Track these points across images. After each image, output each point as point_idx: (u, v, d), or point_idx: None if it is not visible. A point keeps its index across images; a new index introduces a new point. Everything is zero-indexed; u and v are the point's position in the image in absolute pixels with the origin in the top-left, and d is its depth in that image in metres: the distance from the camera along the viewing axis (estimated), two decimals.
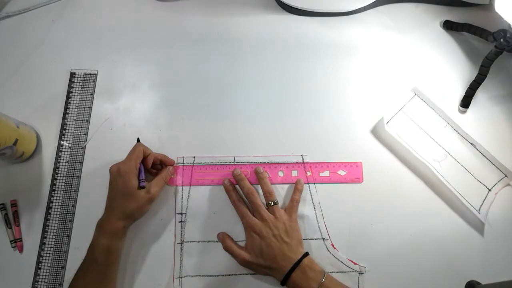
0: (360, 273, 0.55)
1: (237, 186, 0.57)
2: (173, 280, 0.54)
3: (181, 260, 0.55)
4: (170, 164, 0.57)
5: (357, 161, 0.60)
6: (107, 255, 0.50)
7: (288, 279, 0.49)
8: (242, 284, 0.54)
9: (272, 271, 0.51)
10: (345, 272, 0.55)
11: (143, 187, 0.52)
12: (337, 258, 0.55)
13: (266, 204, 0.55)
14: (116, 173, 0.51)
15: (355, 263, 0.55)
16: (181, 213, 0.57)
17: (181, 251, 0.55)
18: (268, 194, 0.55)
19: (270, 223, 0.52)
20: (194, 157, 0.59)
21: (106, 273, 0.50)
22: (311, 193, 0.58)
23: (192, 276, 0.54)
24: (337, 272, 0.55)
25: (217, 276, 0.54)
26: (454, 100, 0.64)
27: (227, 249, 0.54)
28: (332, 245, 0.56)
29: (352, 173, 0.59)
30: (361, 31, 0.68)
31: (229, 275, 0.54)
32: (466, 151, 0.60)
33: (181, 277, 0.54)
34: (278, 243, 0.51)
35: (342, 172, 0.59)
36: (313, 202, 0.58)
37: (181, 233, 0.56)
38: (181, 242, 0.55)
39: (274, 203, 0.54)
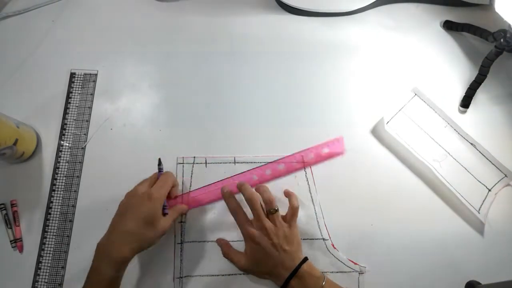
0: (360, 273, 0.55)
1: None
2: (173, 280, 0.54)
3: (181, 260, 0.55)
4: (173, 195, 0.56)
5: (338, 136, 0.61)
6: (111, 286, 0.46)
7: (287, 286, 0.49)
8: (242, 283, 0.54)
9: (272, 277, 0.51)
10: (345, 272, 0.55)
11: (166, 214, 0.51)
12: (337, 258, 0.55)
13: (267, 211, 0.53)
14: (147, 197, 0.49)
15: (355, 263, 0.55)
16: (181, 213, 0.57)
17: (181, 251, 0.55)
18: (268, 201, 0.53)
19: (269, 232, 0.50)
20: (194, 157, 0.59)
21: None
22: (311, 193, 0.58)
23: (192, 276, 0.54)
24: (337, 272, 0.55)
25: (217, 276, 0.54)
26: (454, 100, 0.64)
27: (225, 255, 0.53)
28: (333, 245, 0.56)
29: (334, 147, 0.60)
30: (361, 31, 0.68)
31: (229, 274, 0.54)
32: (466, 151, 0.60)
33: (181, 277, 0.54)
34: (277, 252, 0.50)
35: (326, 150, 0.59)
36: (313, 202, 0.58)
37: (181, 233, 0.56)
38: (181, 242, 0.55)
39: (275, 211, 0.52)
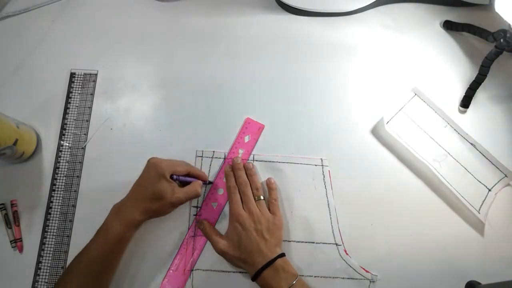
0: (372, 281, 0.54)
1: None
2: (184, 273, 0.54)
3: (192, 253, 0.55)
4: (202, 180, 0.56)
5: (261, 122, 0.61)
6: (119, 242, 0.49)
7: (259, 276, 0.49)
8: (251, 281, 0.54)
9: (246, 265, 0.51)
10: (355, 279, 0.54)
11: (173, 179, 0.52)
12: (349, 265, 0.55)
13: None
14: (153, 166, 0.51)
15: (367, 271, 0.55)
16: (197, 207, 0.57)
17: (193, 245, 0.55)
18: (255, 190, 0.55)
19: (255, 217, 0.52)
20: (214, 151, 0.59)
21: (114, 256, 0.50)
22: (327, 197, 0.58)
23: (203, 270, 0.54)
24: (348, 278, 0.54)
25: (228, 272, 0.54)
26: (454, 100, 0.64)
27: (206, 235, 0.54)
28: (345, 251, 0.56)
29: (252, 129, 0.60)
30: (361, 31, 0.68)
31: (240, 272, 0.54)
32: (466, 151, 0.60)
33: (191, 270, 0.54)
34: (258, 238, 0.51)
35: (247, 138, 0.60)
36: (329, 206, 0.57)
37: (195, 226, 0.56)
38: (194, 236, 0.56)
39: (260, 199, 0.55)
